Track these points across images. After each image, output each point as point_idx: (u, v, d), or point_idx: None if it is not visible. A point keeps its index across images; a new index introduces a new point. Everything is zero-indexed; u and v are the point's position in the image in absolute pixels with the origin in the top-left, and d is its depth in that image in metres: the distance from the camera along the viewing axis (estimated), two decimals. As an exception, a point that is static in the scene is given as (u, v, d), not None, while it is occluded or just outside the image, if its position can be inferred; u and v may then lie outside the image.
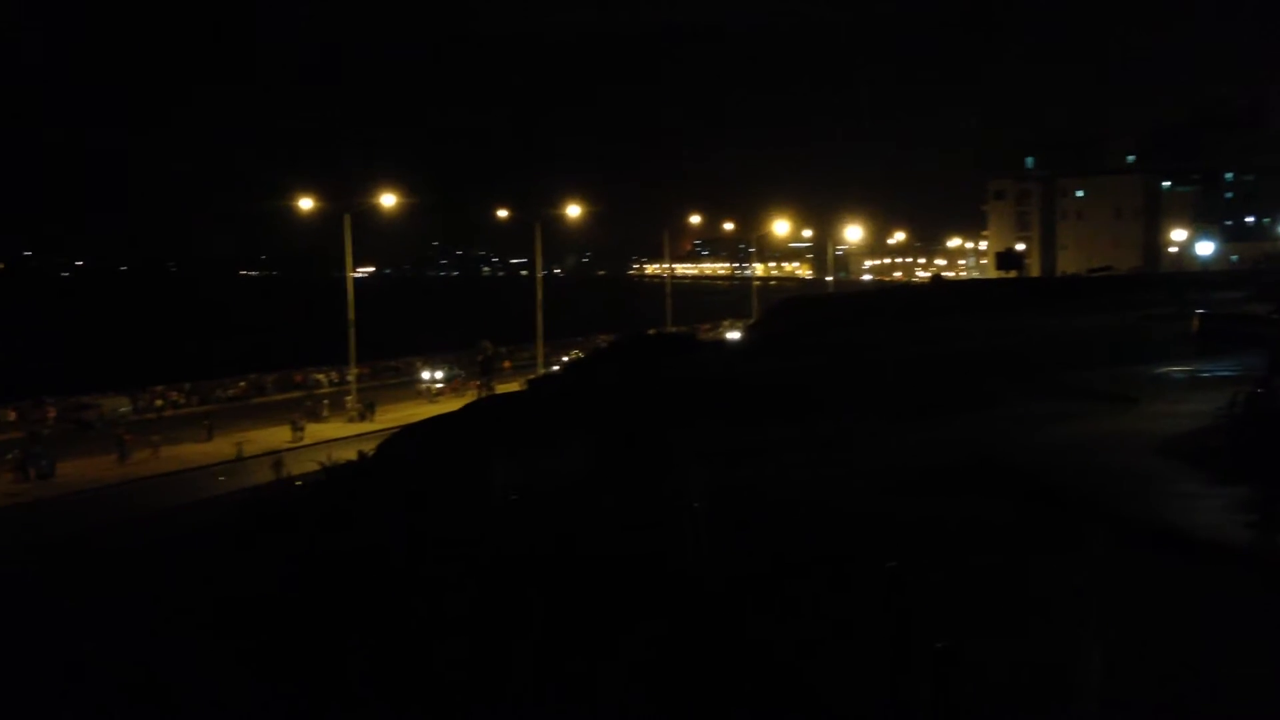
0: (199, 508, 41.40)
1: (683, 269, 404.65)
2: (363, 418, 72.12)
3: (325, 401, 74.71)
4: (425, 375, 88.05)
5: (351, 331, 75.65)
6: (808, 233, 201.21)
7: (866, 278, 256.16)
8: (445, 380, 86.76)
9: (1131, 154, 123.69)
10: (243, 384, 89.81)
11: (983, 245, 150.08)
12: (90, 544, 38.57)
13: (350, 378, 79.94)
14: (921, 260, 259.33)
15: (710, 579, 9.33)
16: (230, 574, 9.67)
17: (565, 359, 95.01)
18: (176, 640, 8.58)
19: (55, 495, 50.98)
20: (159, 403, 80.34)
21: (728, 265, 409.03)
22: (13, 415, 71.97)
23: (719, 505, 10.79)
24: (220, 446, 63.57)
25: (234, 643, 7.65)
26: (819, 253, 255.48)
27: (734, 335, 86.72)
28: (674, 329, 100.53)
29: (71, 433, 68.01)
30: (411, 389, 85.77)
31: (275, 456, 55.33)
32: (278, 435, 65.73)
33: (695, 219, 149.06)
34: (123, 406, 75.51)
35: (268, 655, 7.25)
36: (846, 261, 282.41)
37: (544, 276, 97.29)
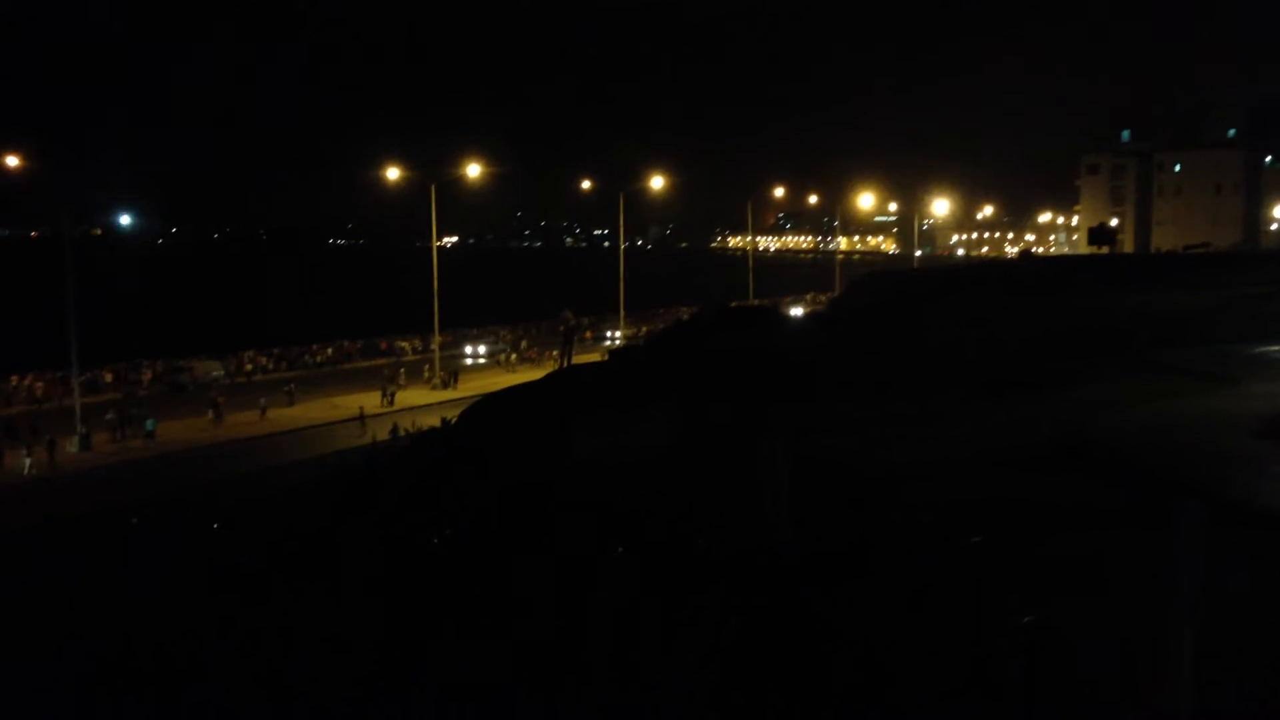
0: (295, 468, 42.36)
1: (766, 242, 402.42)
2: (446, 385, 73.13)
3: (402, 370, 75.80)
4: (468, 349, 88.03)
5: (435, 300, 76.53)
6: (893, 206, 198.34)
7: (960, 252, 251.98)
8: (488, 355, 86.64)
9: (1232, 128, 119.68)
10: (329, 350, 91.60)
11: (1074, 221, 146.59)
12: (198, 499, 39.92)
13: (434, 346, 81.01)
14: (1010, 235, 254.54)
15: (789, 551, 9.29)
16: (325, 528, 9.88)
17: (646, 330, 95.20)
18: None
19: (152, 454, 52.61)
20: (249, 367, 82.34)
21: (811, 239, 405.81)
22: (109, 377, 74.26)
23: (800, 479, 10.72)
24: (307, 410, 64.96)
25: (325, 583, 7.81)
26: (904, 227, 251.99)
27: (817, 309, 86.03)
28: (756, 302, 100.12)
29: (166, 395, 70.04)
30: (491, 359, 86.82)
31: (370, 421, 56.50)
32: (367, 401, 66.99)
33: (779, 192, 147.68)
34: (215, 370, 77.55)
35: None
36: (933, 236, 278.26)
37: (626, 248, 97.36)
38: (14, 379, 70.15)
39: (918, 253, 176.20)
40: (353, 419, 60.44)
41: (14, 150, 60.61)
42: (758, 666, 5.66)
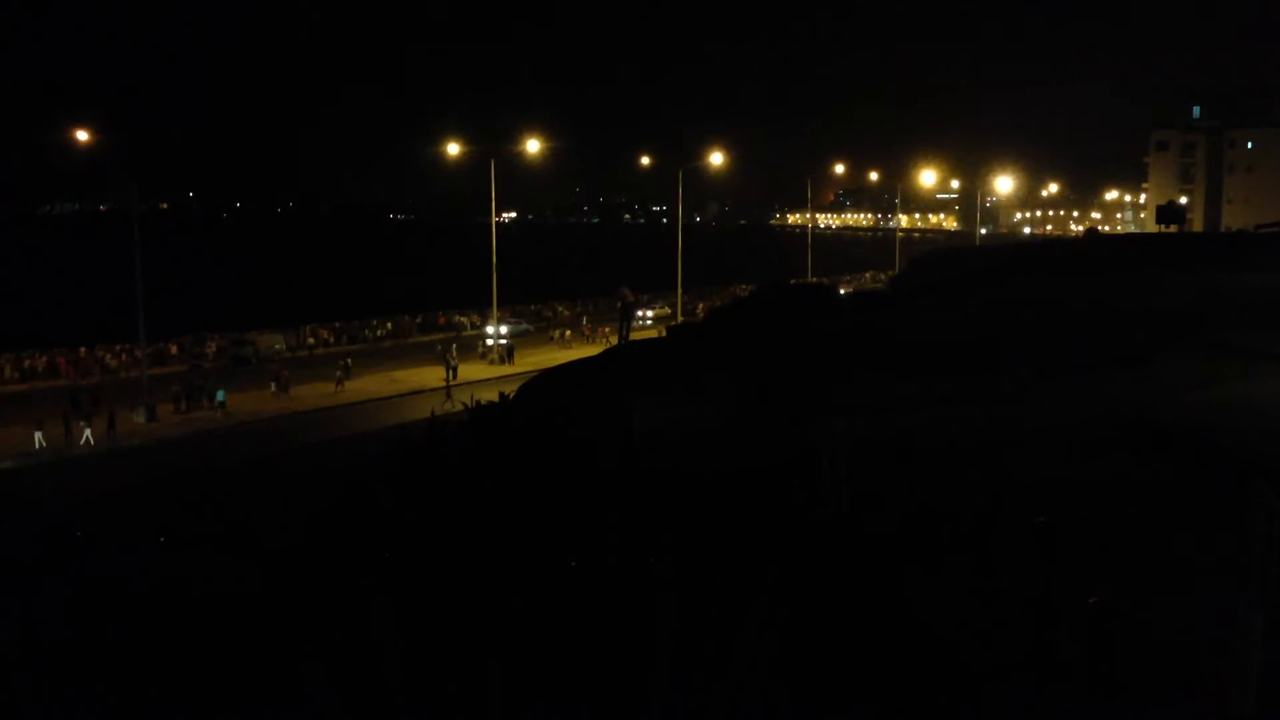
0: (358, 440, 42.86)
1: (825, 219, 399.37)
2: (503, 361, 73.48)
3: (454, 346, 76.29)
4: (489, 330, 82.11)
5: (494, 276, 76.86)
6: (955, 184, 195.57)
7: (1027, 230, 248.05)
8: (511, 336, 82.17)
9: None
10: (389, 325, 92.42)
11: (1142, 199, 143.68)
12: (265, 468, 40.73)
13: (491, 321, 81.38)
14: (1075, 214, 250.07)
15: (850, 529, 9.22)
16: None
17: (704, 307, 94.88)
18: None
19: (215, 425, 53.50)
20: (310, 340, 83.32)
21: (871, 216, 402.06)
22: (175, 350, 75.57)
23: (860, 456, 10.63)
24: (366, 384, 65.64)
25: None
26: (966, 205, 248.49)
27: (876, 288, 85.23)
28: (814, 279, 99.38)
29: (229, 367, 71.15)
30: (544, 335, 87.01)
31: (430, 395, 57.03)
32: (427, 375, 67.58)
33: (839, 169, 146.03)
34: (277, 343, 78.60)
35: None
36: (995, 214, 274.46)
37: (684, 225, 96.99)
38: (82, 350, 71.60)
39: (980, 231, 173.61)
40: (413, 392, 61.31)
41: (84, 124, 61.68)
42: (817, 647, 5.61)
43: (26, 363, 67.56)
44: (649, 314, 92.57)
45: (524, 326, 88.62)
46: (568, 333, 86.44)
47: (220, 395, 57.31)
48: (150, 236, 58.50)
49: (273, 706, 5.70)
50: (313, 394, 62.09)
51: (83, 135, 61.05)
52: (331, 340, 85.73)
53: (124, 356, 70.23)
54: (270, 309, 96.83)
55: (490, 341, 78.30)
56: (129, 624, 7.62)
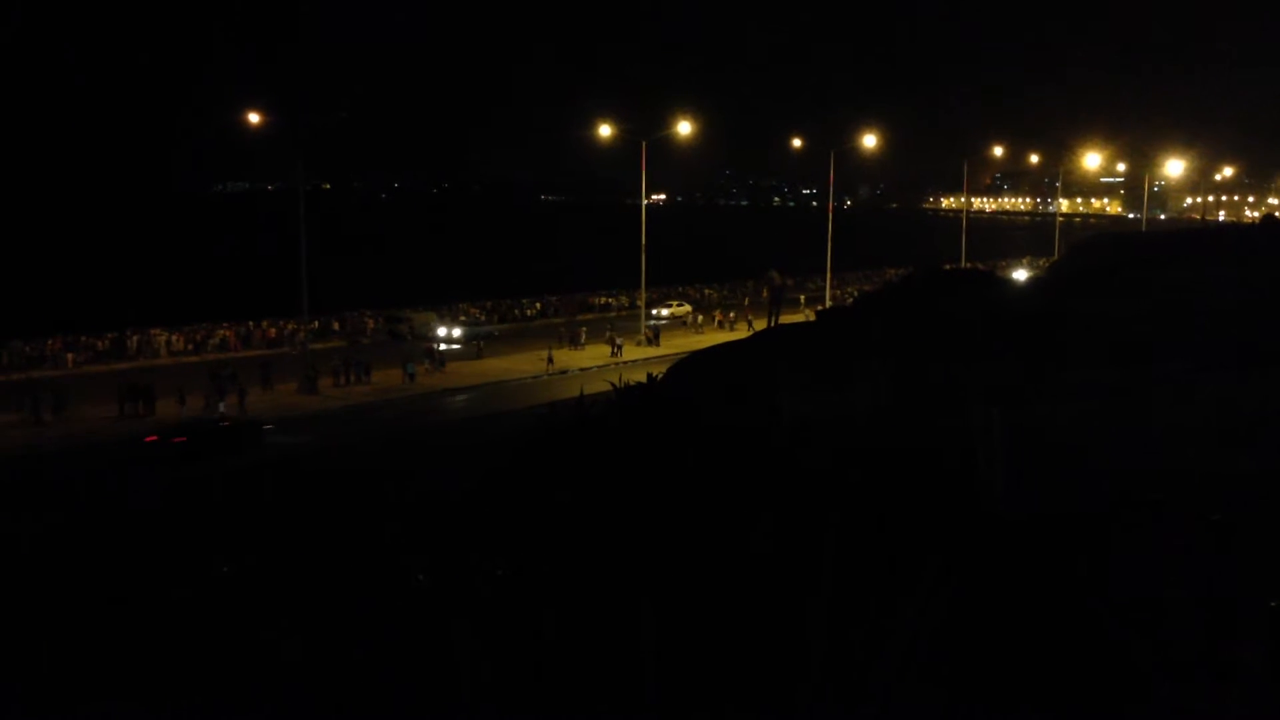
0: (509, 417, 43.74)
1: (980, 203, 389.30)
2: (650, 343, 73.94)
3: (583, 329, 77.21)
4: (440, 332, 74.89)
5: (643, 257, 77.28)
6: (1121, 167, 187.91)
7: (1223, 215, 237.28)
8: (465, 340, 72.49)
9: None
10: (538, 305, 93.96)
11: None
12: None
13: (640, 303, 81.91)
14: (1250, 199, 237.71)
15: (1003, 522, 8.95)
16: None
17: (853, 291, 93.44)
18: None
19: (372, 399, 55.33)
20: (462, 319, 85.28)
21: (1029, 200, 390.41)
22: (336, 325, 78.40)
23: (1016, 446, 10.31)
24: (515, 362, 66.88)
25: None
26: (1132, 189, 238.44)
27: (1033, 274, 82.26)
28: (969, 265, 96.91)
29: (386, 343, 73.44)
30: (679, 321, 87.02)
31: (573, 375, 57.88)
32: (580, 355, 68.55)
33: (996, 151, 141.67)
34: (431, 321, 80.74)
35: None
36: (1163, 199, 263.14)
37: (834, 208, 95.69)
38: (249, 324, 74.85)
39: (1145, 216, 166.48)
40: (561, 372, 62.46)
41: (252, 106, 64.18)
42: (976, 643, 5.44)
43: (199, 335, 71.01)
44: (664, 313, 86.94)
45: (486, 329, 76.73)
46: (700, 318, 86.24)
47: (410, 368, 59.77)
48: (314, 215, 60.61)
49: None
50: (468, 370, 63.66)
51: (254, 118, 63.51)
52: (482, 318, 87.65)
53: (288, 331, 73.20)
54: (425, 287, 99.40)
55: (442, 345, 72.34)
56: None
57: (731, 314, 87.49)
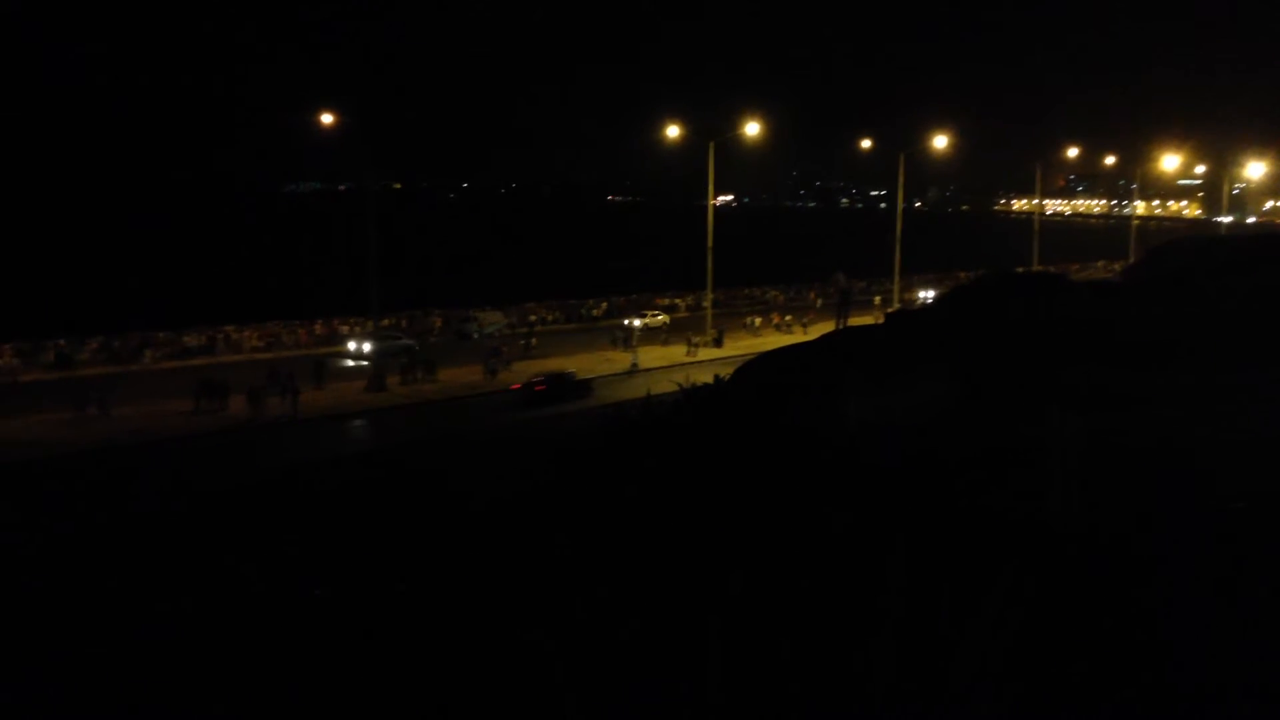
0: (578, 416, 43.86)
1: (1054, 205, 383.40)
2: (716, 344, 73.79)
3: (635, 329, 77.62)
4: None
5: (709, 258, 77.12)
6: (1199, 169, 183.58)
7: None
8: (378, 355, 63.22)
9: None
10: (604, 304, 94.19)
11: None
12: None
13: (705, 304, 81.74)
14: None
15: (1077, 534, 8.74)
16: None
17: (921, 294, 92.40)
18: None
19: (437, 396, 55.85)
20: (532, 318, 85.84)
21: (1104, 203, 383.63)
22: (404, 323, 79.26)
23: (1090, 454, 10.07)
24: (583, 361, 67.09)
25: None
26: (1211, 191, 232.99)
27: (1109, 277, 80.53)
28: (1042, 268, 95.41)
29: (453, 342, 74.11)
30: (741, 320, 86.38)
31: (643, 375, 57.96)
32: (641, 355, 68.70)
33: (1071, 152, 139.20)
34: (498, 321, 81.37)
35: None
36: (1244, 202, 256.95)
37: (904, 209, 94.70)
38: (319, 323, 75.97)
39: (1226, 219, 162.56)
40: (627, 372, 62.66)
41: (328, 108, 65.02)
42: (1048, 654, 5.30)
43: (270, 331, 72.27)
44: (637, 323, 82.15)
45: (403, 343, 68.35)
46: (757, 320, 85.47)
47: (491, 364, 61.19)
48: (383, 215, 61.30)
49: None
50: (531, 370, 64.04)
51: (326, 119, 64.38)
52: (550, 319, 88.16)
53: (356, 329, 74.16)
54: (492, 287, 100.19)
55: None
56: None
57: (788, 317, 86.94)
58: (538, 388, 53.32)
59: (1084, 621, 5.99)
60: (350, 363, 64.73)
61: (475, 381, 59.71)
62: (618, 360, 66.93)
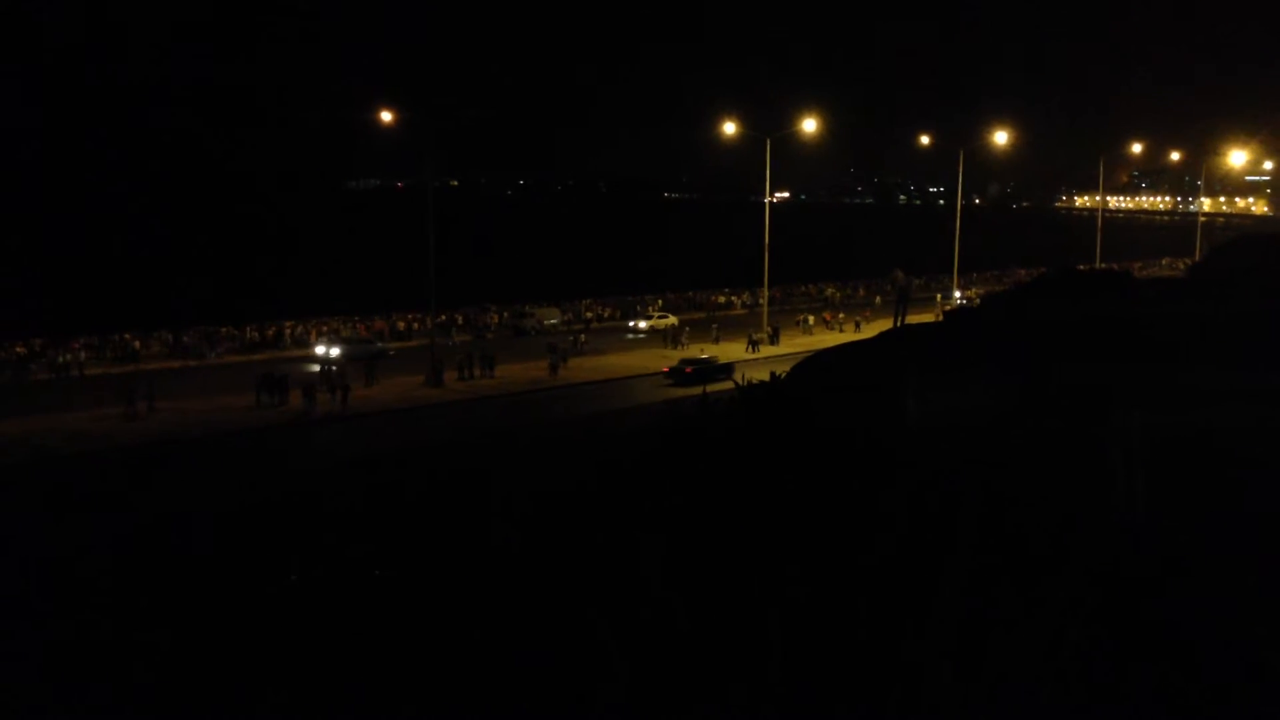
0: (634, 413, 43.93)
1: (1117, 202, 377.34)
2: (772, 342, 73.56)
3: (714, 327, 77.16)
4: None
5: (766, 255, 76.89)
6: (1268, 165, 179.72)
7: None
8: (346, 359, 62.71)
9: None
10: (660, 301, 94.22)
11: None
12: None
13: (761, 301, 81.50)
14: None
15: (1145, 544, 8.60)
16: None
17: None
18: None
19: (494, 392, 56.17)
20: (588, 315, 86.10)
21: (1169, 199, 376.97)
22: (461, 319, 79.86)
23: (1157, 458, 9.91)
24: (639, 359, 67.18)
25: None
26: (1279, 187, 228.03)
27: (1172, 275, 79.00)
28: (1104, 265, 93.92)
29: (509, 338, 74.57)
30: (794, 317, 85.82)
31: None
32: (695, 353, 68.68)
33: (1135, 148, 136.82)
34: (554, 317, 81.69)
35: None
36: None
37: (963, 206, 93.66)
38: (378, 321, 76.80)
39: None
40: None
41: (387, 106, 65.67)
42: (1106, 662, 5.23)
43: (325, 326, 73.15)
44: (642, 325, 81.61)
45: (376, 347, 66.11)
46: (810, 318, 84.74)
47: (554, 359, 61.95)
48: (442, 212, 61.76)
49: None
50: (589, 365, 64.24)
51: (386, 116, 65.03)
52: (605, 314, 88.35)
53: (415, 325, 74.86)
54: (548, 283, 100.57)
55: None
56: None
57: (840, 314, 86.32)
58: (688, 370, 59.33)
59: (1148, 624, 5.91)
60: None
61: (536, 377, 59.99)
62: (672, 358, 67.02)
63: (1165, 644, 5.91)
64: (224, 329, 70.34)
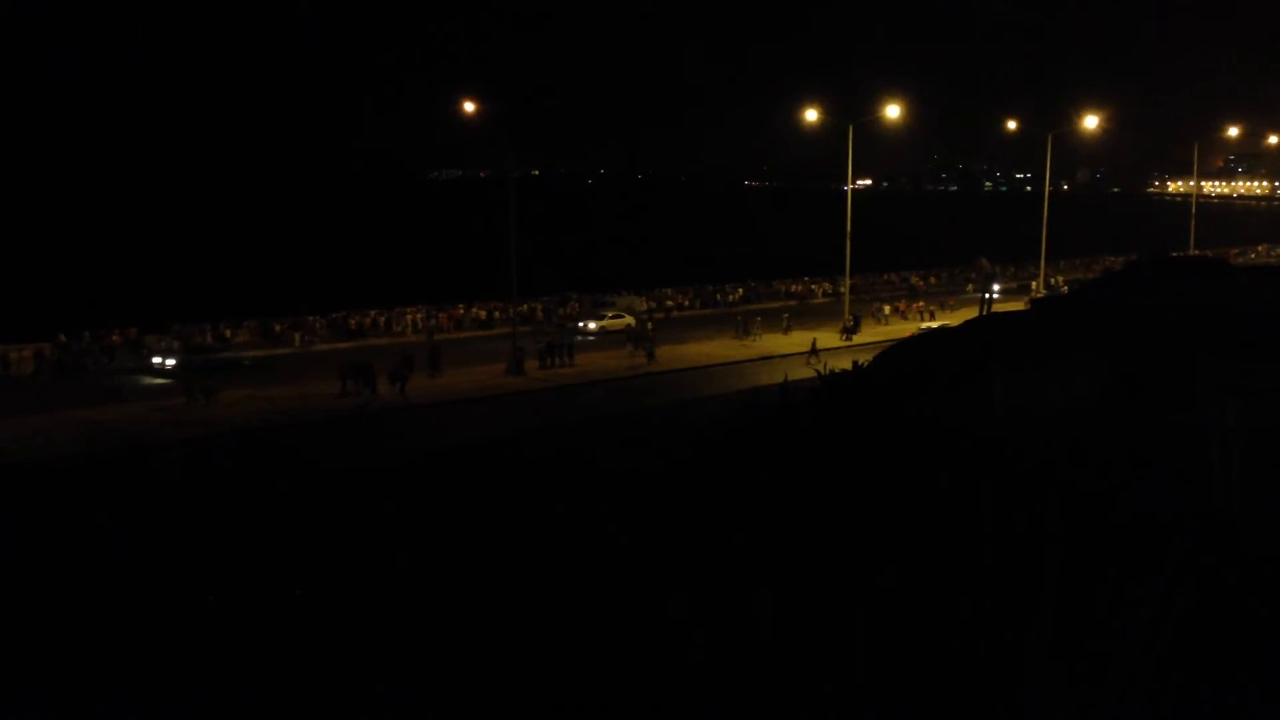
0: (714, 402, 43.82)
1: (1211, 187, 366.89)
2: (853, 330, 72.90)
3: (785, 316, 76.38)
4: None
5: (848, 243, 76.17)
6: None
7: None
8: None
9: None
10: (740, 290, 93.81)
11: None
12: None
13: (843, 289, 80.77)
14: None
15: (1245, 536, 8.36)
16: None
17: (1069, 279, 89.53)
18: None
19: (573, 380, 56.46)
20: (669, 304, 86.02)
21: (1266, 184, 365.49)
22: (539, 309, 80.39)
23: (1254, 451, 9.62)
24: (717, 348, 67.08)
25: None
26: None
27: (1270, 261, 76.52)
28: (1199, 252, 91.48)
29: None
30: (872, 307, 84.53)
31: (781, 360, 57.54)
32: (777, 341, 68.40)
33: (1230, 132, 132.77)
34: (639, 306, 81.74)
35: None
36: None
37: (1051, 192, 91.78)
38: (460, 309, 77.57)
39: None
40: (763, 358, 62.38)
41: (471, 97, 66.24)
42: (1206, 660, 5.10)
43: (409, 316, 74.06)
44: (592, 325, 73.36)
45: (227, 356, 59.70)
46: (886, 309, 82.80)
47: (647, 346, 62.04)
48: (522, 201, 62.09)
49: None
50: (670, 355, 64.20)
51: (469, 107, 65.57)
52: (687, 304, 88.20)
53: (496, 314, 75.46)
54: (628, 272, 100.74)
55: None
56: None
57: (918, 304, 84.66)
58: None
59: (1249, 623, 5.74)
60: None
61: (616, 366, 60.12)
62: (753, 348, 66.70)
63: (1268, 650, 5.73)
64: (310, 318, 71.62)
